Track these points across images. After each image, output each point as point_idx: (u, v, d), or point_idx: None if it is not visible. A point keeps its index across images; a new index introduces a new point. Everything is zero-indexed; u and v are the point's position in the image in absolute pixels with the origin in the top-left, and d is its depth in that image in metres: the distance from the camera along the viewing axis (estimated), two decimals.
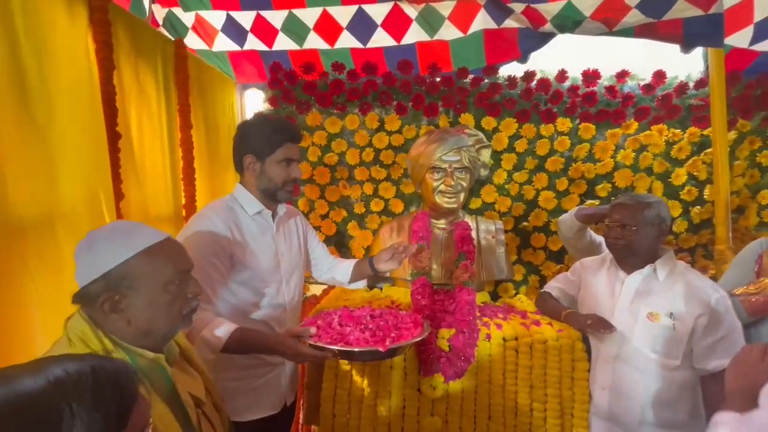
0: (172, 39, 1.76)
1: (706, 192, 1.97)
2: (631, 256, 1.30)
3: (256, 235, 1.27)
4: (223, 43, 2.10)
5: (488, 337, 1.41)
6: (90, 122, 1.21)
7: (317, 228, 2.09)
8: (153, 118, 1.58)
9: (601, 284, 1.38)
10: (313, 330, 1.11)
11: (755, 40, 1.87)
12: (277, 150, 1.24)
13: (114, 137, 1.29)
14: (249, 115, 2.31)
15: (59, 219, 1.08)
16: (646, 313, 1.25)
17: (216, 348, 1.07)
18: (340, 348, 1.07)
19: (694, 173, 1.99)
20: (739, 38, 1.87)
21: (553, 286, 1.58)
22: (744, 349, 0.91)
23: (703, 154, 1.98)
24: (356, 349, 1.08)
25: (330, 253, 1.59)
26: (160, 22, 2.03)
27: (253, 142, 1.26)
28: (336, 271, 1.55)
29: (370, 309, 1.28)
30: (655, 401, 1.22)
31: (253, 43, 2.10)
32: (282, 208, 1.36)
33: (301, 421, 1.88)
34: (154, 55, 1.61)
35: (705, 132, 1.97)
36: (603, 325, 1.29)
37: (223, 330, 1.08)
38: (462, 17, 1.97)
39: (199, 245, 1.14)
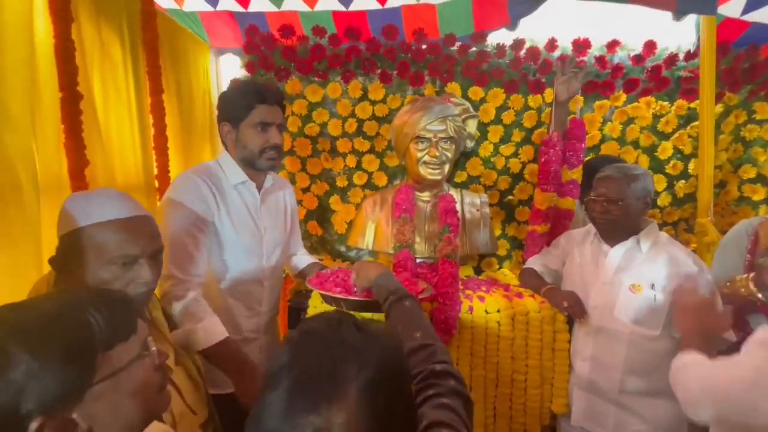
0: None
1: (691, 166, 1.97)
2: (615, 230, 1.29)
3: (238, 207, 1.22)
4: (195, 3, 1.95)
5: (470, 309, 1.40)
6: (37, 80, 1.10)
7: (298, 202, 2.02)
8: (119, 80, 1.46)
9: (585, 257, 1.37)
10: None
11: (747, 9, 1.83)
12: (249, 114, 1.18)
13: (74, 97, 1.19)
14: (225, 81, 2.19)
15: (9, 188, 1.00)
16: (628, 284, 1.25)
17: (196, 346, 1.02)
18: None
19: (680, 147, 1.98)
20: (732, 7, 1.82)
21: (536, 262, 1.56)
22: (684, 293, 0.98)
23: (689, 127, 1.97)
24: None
25: (300, 242, 1.58)
26: None
27: (226, 108, 1.22)
28: (299, 260, 1.52)
29: None
30: (635, 370, 1.24)
31: (227, 3, 1.95)
32: (269, 180, 1.30)
33: None
34: (117, 10, 1.48)
35: (692, 105, 1.95)
36: (578, 313, 1.30)
37: (213, 333, 1.03)
38: None
39: (183, 209, 1.11)
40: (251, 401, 1.08)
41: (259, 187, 1.27)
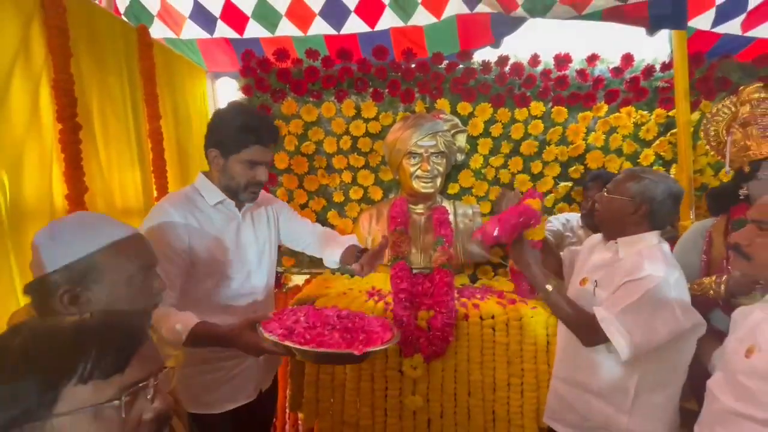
0: (135, 26, 1.71)
1: (672, 171, 2.05)
2: (602, 226, 1.29)
3: (219, 225, 1.23)
4: (192, 31, 2.04)
5: (466, 316, 1.45)
6: (37, 113, 1.17)
7: None
8: (117, 109, 1.53)
9: (585, 255, 1.36)
10: (269, 315, 1.05)
11: (717, 22, 1.94)
12: (242, 151, 1.18)
13: (73, 128, 1.25)
14: (222, 104, 2.26)
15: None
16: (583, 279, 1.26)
17: (176, 344, 1.03)
18: (312, 349, 0.92)
19: (661, 153, 2.06)
20: (702, 20, 1.93)
21: None
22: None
23: (669, 134, 2.05)
24: (332, 351, 0.93)
25: (316, 232, 1.45)
26: (122, 11, 1.95)
27: (219, 136, 1.20)
28: (324, 254, 1.42)
29: (337, 309, 1.16)
30: (566, 358, 1.26)
31: (223, 30, 2.05)
32: None
33: (287, 409, 1.89)
34: (115, 43, 1.55)
35: (671, 113, 2.04)
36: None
37: (182, 326, 1.03)
38: (435, 2, 1.97)
39: (155, 238, 1.09)
40: (258, 354, 1.03)
41: (239, 206, 1.27)
